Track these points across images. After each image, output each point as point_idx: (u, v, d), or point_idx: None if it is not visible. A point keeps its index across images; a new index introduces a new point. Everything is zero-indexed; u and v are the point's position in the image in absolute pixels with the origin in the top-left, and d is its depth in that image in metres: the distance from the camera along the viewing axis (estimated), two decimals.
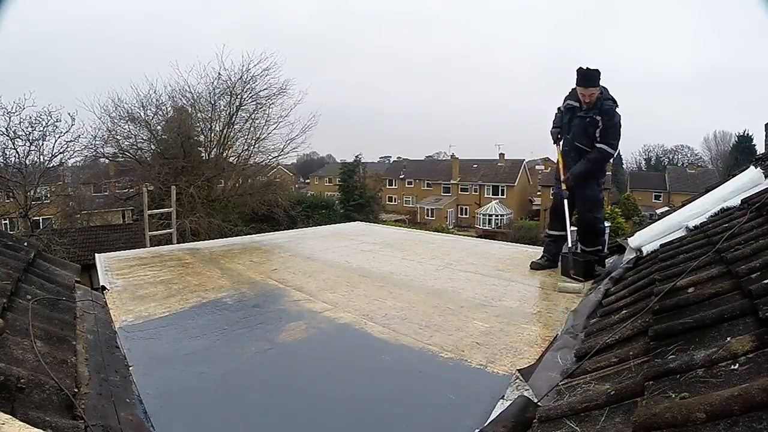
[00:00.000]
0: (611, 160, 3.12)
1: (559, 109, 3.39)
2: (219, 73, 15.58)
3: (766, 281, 1.18)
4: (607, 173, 35.56)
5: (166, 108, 15.80)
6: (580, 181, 3.23)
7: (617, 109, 3.12)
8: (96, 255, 3.95)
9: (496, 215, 33.03)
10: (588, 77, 3.07)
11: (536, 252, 3.83)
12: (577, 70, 3.10)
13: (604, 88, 3.12)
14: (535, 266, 3.44)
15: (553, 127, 3.41)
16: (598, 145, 3.12)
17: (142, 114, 15.11)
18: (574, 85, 3.19)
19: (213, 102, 15.82)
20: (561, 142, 3.37)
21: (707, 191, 2.98)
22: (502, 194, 35.53)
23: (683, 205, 3.14)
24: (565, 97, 3.32)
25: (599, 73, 3.05)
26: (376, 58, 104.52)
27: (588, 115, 3.12)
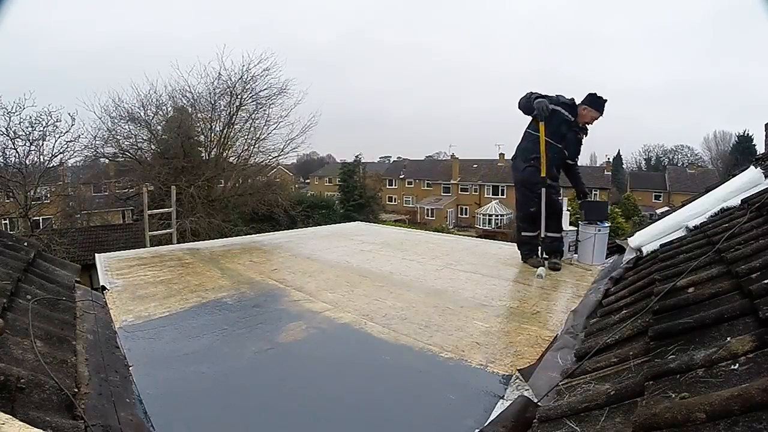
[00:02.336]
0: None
1: (548, 97, 3.45)
2: (219, 73, 15.64)
3: (766, 281, 1.17)
4: (607, 174, 35.66)
5: (166, 108, 15.85)
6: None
7: None
8: (96, 255, 3.95)
9: (496, 215, 33.04)
10: (603, 105, 3.42)
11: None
12: (597, 98, 3.40)
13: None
14: (534, 264, 3.53)
15: (540, 97, 3.43)
16: (576, 160, 3.66)
17: (142, 114, 15.16)
18: (555, 95, 3.46)
19: (213, 102, 15.86)
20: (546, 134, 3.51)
21: (707, 191, 2.98)
22: (502, 194, 35.52)
23: (683, 205, 3.15)
24: (553, 102, 3.40)
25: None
26: (385, 71, 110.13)
27: (581, 133, 3.53)
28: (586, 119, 3.42)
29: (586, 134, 3.55)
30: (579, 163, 3.74)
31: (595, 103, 3.39)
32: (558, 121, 3.42)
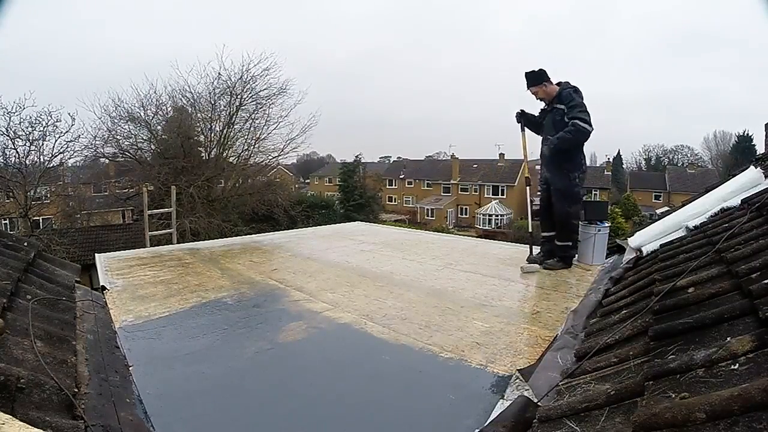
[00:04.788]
0: (585, 142, 3.31)
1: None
2: (219, 73, 15.62)
3: (766, 281, 1.18)
4: (607, 174, 35.65)
5: (166, 108, 15.83)
6: (555, 154, 3.31)
7: (577, 92, 3.24)
8: (96, 255, 3.95)
9: (496, 215, 33.05)
10: (529, 77, 3.34)
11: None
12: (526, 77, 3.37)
13: (566, 82, 3.32)
14: (531, 260, 3.56)
15: (520, 110, 3.57)
16: (569, 119, 3.19)
17: (142, 114, 15.13)
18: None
19: (213, 102, 15.85)
20: (525, 127, 3.58)
21: (707, 191, 2.98)
22: (502, 194, 35.56)
23: (683, 205, 3.14)
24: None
25: (540, 71, 3.30)
26: (389, 81, 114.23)
27: (553, 107, 3.31)
28: (536, 97, 3.38)
29: (557, 112, 3.26)
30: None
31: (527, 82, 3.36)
32: (542, 117, 3.50)
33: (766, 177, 2.50)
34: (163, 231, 8.76)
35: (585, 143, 3.29)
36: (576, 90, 3.23)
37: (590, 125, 3.15)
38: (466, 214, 36.67)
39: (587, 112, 3.16)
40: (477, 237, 8.81)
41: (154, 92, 15.30)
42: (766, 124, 4.36)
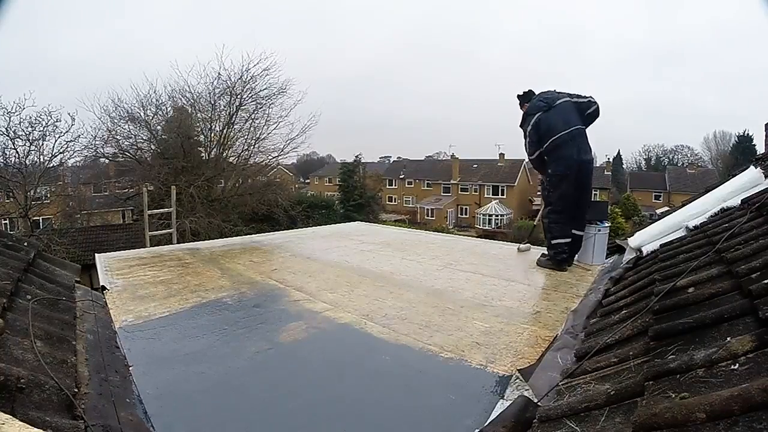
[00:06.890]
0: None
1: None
2: (219, 73, 15.68)
3: (766, 281, 1.17)
4: (607, 173, 35.61)
5: (166, 108, 15.87)
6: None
7: (528, 116, 3.47)
8: (96, 255, 3.95)
9: (496, 215, 33.06)
10: (519, 99, 3.64)
11: (536, 252, 3.84)
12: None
13: (536, 96, 3.53)
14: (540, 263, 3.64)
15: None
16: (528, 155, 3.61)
17: (142, 114, 15.18)
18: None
19: (213, 102, 15.89)
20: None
21: (707, 191, 2.98)
22: (502, 194, 35.57)
23: (683, 205, 3.14)
24: None
25: (526, 93, 3.61)
26: (392, 86, 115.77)
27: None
28: None
29: (522, 126, 3.59)
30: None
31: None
32: None
33: (766, 177, 2.50)
34: (163, 231, 8.76)
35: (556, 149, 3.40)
36: (525, 115, 3.49)
37: (527, 149, 3.51)
38: (466, 214, 36.69)
39: (527, 136, 3.46)
40: (477, 237, 8.81)
41: (154, 92, 15.37)
42: (766, 124, 4.36)
